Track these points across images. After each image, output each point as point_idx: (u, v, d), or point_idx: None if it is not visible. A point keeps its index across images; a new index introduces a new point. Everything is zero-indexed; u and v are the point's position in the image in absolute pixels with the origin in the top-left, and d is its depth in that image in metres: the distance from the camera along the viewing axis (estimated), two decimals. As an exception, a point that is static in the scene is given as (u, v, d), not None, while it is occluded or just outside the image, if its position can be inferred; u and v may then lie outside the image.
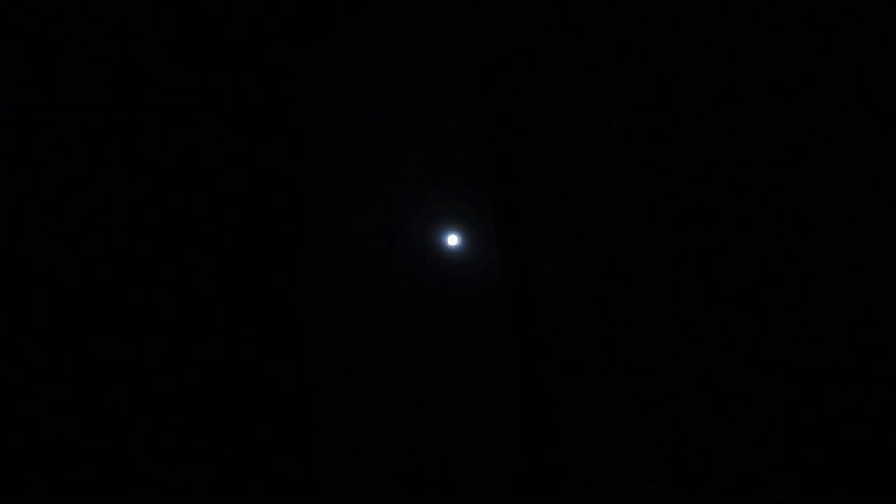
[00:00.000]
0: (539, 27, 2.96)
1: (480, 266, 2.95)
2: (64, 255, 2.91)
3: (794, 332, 2.54)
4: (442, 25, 3.05)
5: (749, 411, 2.55)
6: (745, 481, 2.50)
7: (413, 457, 2.82)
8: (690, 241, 2.73)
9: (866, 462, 2.37)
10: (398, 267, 2.99)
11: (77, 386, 2.82)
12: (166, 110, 3.07)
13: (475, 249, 2.97)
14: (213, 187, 3.06)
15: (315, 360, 2.97)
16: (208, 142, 3.08)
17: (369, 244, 3.02)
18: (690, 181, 2.76)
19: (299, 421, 2.90)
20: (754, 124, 2.71)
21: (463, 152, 3.03)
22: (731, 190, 2.71)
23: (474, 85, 3.03)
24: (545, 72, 2.96)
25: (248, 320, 2.97)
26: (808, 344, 2.52)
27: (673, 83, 2.82)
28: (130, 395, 2.85)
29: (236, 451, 2.84)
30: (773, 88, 2.68)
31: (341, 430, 2.88)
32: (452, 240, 2.98)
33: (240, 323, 2.97)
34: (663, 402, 2.67)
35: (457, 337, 2.91)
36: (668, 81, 2.82)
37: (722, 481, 2.53)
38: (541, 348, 2.84)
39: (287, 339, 2.98)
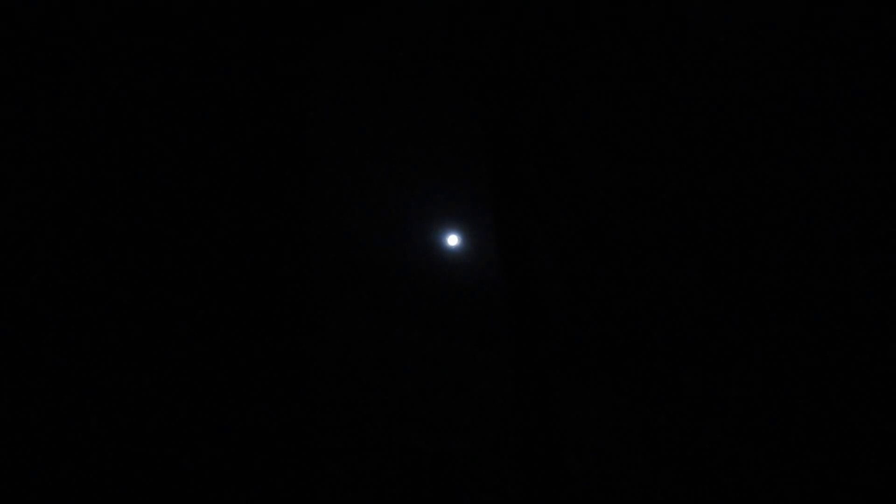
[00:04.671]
0: (539, 28, 2.96)
1: (480, 266, 2.95)
2: (63, 255, 2.90)
3: (794, 331, 2.55)
4: (442, 26, 3.05)
5: (749, 411, 2.56)
6: (744, 481, 2.51)
7: (413, 456, 2.82)
8: (691, 240, 2.73)
9: (866, 462, 2.37)
10: (398, 267, 2.99)
11: (77, 386, 2.82)
12: (169, 110, 3.07)
13: (475, 249, 2.97)
14: (214, 186, 3.06)
15: (315, 358, 2.97)
16: (209, 140, 3.08)
17: (370, 244, 3.02)
18: (691, 181, 2.76)
19: (299, 420, 2.90)
20: (754, 124, 2.71)
21: (463, 153, 3.03)
22: (732, 190, 2.71)
23: (475, 86, 3.04)
24: (545, 72, 2.97)
25: (248, 320, 2.98)
26: (809, 344, 2.52)
27: (673, 83, 2.82)
28: (129, 395, 2.85)
29: (237, 452, 2.84)
30: (774, 88, 2.69)
31: (341, 429, 2.88)
32: (452, 240, 2.99)
33: (240, 322, 2.97)
34: (663, 401, 2.67)
35: (457, 337, 2.91)
36: (669, 81, 2.83)
37: (722, 481, 2.53)
38: (541, 348, 2.84)
39: (287, 337, 2.98)
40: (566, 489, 2.69)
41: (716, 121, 2.75)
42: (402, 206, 3.03)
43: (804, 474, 2.44)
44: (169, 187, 3.03)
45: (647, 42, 2.85)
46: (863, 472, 2.37)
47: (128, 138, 3.04)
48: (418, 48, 3.07)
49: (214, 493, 2.79)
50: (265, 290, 3.01)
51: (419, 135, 3.06)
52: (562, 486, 2.70)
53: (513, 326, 2.88)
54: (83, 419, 2.79)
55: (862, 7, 2.53)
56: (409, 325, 2.95)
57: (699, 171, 2.76)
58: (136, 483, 2.76)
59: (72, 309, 2.88)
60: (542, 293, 2.88)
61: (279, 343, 2.97)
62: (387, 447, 2.85)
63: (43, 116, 2.97)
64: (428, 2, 3.03)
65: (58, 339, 2.85)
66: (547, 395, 2.80)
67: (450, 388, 2.88)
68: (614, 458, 2.67)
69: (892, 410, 2.37)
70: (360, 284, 3.01)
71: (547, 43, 2.96)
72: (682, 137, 2.79)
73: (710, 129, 2.76)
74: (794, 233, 2.60)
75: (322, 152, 3.12)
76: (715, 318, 2.66)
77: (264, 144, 3.11)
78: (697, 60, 2.79)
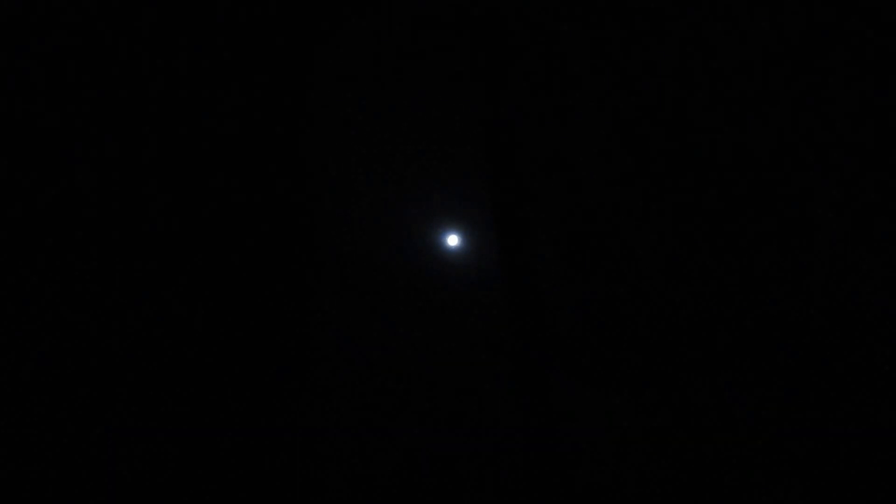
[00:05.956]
0: (540, 27, 2.96)
1: (480, 266, 2.95)
2: (64, 255, 2.90)
3: (795, 332, 2.55)
4: (443, 24, 3.05)
5: (750, 411, 2.56)
6: (745, 481, 2.51)
7: (413, 457, 2.82)
8: (692, 240, 2.73)
9: (866, 462, 2.37)
10: (398, 267, 2.99)
11: (76, 385, 2.81)
12: (168, 110, 3.06)
13: (475, 249, 2.97)
14: (213, 185, 3.06)
15: (315, 359, 2.97)
16: (208, 140, 3.08)
17: (369, 244, 3.02)
18: (692, 181, 2.76)
19: (298, 420, 2.90)
20: (755, 124, 2.71)
21: (463, 152, 3.03)
22: (733, 189, 2.71)
23: (475, 84, 3.04)
24: (546, 71, 2.97)
25: (247, 320, 2.97)
26: (810, 344, 2.52)
27: (674, 82, 2.82)
28: (128, 394, 2.84)
29: (235, 452, 2.84)
30: (774, 88, 2.69)
31: (340, 430, 2.88)
32: (452, 240, 2.98)
33: (238, 323, 2.97)
34: (664, 402, 2.67)
35: (457, 337, 2.91)
36: (669, 80, 2.83)
37: (722, 481, 2.53)
38: (541, 349, 2.84)
39: (286, 338, 2.98)
40: (567, 490, 2.69)
41: (720, 121, 2.75)
42: (401, 207, 3.03)
43: (805, 476, 2.44)
44: (166, 187, 3.03)
45: (650, 41, 2.85)
46: (862, 473, 2.37)
47: (127, 139, 3.04)
48: (418, 48, 3.07)
49: (214, 493, 2.78)
50: (263, 290, 3.01)
51: (419, 135, 3.06)
52: (562, 486, 2.70)
53: (513, 326, 2.88)
54: (82, 418, 2.79)
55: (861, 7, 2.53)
56: (409, 325, 2.94)
57: (703, 171, 2.76)
58: (135, 483, 2.76)
59: (71, 308, 2.88)
60: (542, 293, 2.87)
61: (277, 343, 2.97)
62: (386, 447, 2.84)
63: (42, 115, 2.97)
64: (428, 1, 3.03)
65: (56, 338, 2.84)
66: (547, 395, 2.80)
67: (450, 388, 2.88)
68: (615, 458, 2.67)
69: (893, 411, 2.37)
70: (359, 284, 3.00)
71: (548, 42, 2.96)
72: (686, 137, 2.79)
73: (715, 129, 2.76)
74: (798, 235, 2.60)
75: (321, 152, 3.12)
76: (718, 318, 2.66)
77: (262, 144, 3.11)
78: (700, 61, 2.79)
